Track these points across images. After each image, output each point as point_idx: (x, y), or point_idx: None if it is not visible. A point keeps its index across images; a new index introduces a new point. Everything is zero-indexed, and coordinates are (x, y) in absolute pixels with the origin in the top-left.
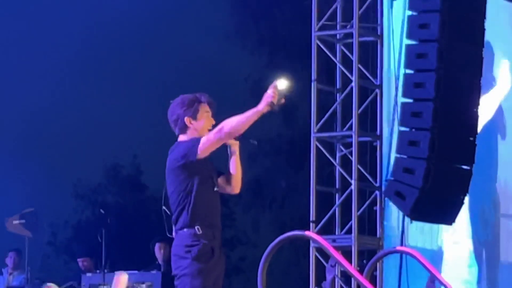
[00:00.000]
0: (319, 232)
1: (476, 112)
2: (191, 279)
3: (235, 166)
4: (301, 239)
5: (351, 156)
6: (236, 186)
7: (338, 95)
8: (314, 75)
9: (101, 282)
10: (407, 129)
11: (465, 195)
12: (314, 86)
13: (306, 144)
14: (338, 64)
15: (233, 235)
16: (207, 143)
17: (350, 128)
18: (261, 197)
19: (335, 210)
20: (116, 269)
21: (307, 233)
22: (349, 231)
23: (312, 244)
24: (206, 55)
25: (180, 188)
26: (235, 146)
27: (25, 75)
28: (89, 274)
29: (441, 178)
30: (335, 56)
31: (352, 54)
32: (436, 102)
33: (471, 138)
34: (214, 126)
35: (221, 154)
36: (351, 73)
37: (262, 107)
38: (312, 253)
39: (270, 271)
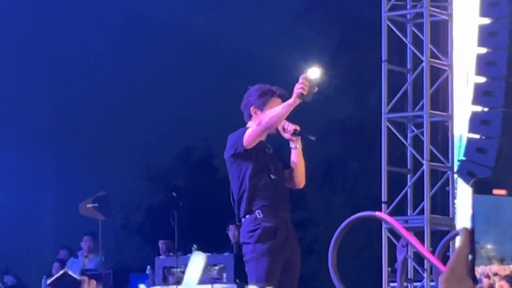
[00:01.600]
0: (391, 213)
1: None
2: (256, 262)
3: (296, 161)
4: (373, 220)
5: (423, 136)
6: (298, 181)
7: (409, 75)
8: (384, 56)
9: (174, 264)
10: (479, 109)
11: None
12: (384, 67)
13: (377, 124)
14: (408, 44)
15: (306, 217)
16: (252, 135)
17: (421, 108)
18: (332, 179)
19: (407, 190)
20: (189, 252)
21: (377, 213)
22: (421, 212)
23: (384, 225)
24: (275, 37)
25: (235, 177)
26: (295, 142)
27: (97, 59)
28: (162, 257)
29: None
30: (405, 36)
31: (422, 34)
32: (508, 81)
33: None
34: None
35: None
36: (422, 53)
37: (292, 100)
38: (384, 234)
39: (342, 252)
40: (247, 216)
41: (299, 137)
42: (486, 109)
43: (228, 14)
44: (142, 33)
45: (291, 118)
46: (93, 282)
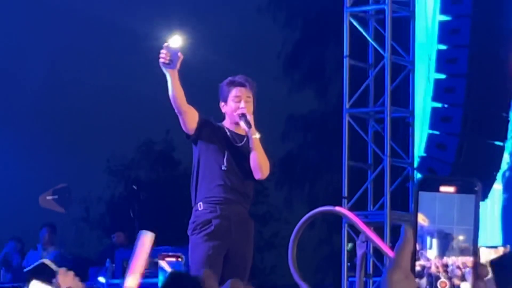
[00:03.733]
0: (352, 208)
1: (510, 88)
2: (191, 253)
3: (253, 151)
4: (332, 214)
5: (384, 132)
6: (258, 170)
7: (370, 71)
8: (346, 51)
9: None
10: (440, 105)
11: (498, 171)
12: (346, 62)
13: (338, 120)
14: (370, 40)
15: (266, 211)
16: (180, 121)
17: (383, 104)
18: (293, 173)
19: (367, 186)
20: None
21: (337, 208)
22: (382, 207)
23: (344, 220)
24: (238, 29)
25: (192, 167)
26: (248, 131)
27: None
28: (122, 249)
29: (474, 154)
30: (367, 32)
31: (384, 30)
32: (469, 78)
33: (504, 114)
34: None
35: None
36: (384, 49)
37: (164, 71)
38: (344, 229)
39: (302, 247)
40: (193, 207)
41: (244, 122)
42: (446, 106)
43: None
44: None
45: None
46: (71, 273)
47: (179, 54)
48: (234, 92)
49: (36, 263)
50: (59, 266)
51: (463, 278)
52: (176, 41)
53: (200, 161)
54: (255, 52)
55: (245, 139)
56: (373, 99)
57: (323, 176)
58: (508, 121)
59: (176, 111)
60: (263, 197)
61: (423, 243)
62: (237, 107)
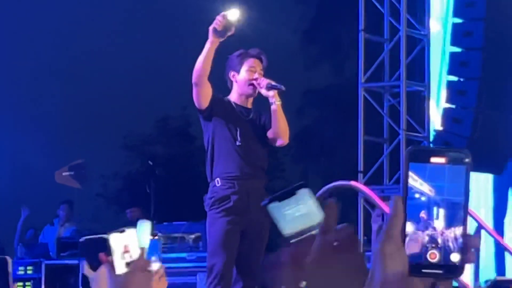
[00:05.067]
0: (368, 183)
1: None
2: (209, 228)
3: (275, 117)
4: (348, 189)
5: (399, 106)
6: (279, 136)
7: (386, 45)
8: (361, 25)
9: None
10: (456, 79)
11: None
12: (361, 36)
13: (354, 95)
14: (385, 14)
15: (282, 186)
16: (194, 92)
17: (398, 78)
18: (309, 148)
19: (383, 160)
20: (165, 220)
21: (352, 183)
22: (398, 181)
23: (360, 195)
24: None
25: (205, 143)
26: (272, 98)
27: (70, 25)
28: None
29: (489, 128)
30: (382, 6)
31: (399, 4)
32: (484, 51)
33: None
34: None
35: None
36: (399, 23)
37: (209, 37)
38: (360, 203)
39: None
40: (210, 183)
41: (275, 92)
42: (462, 79)
43: None
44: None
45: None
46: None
47: (233, 28)
48: (250, 62)
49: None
50: (76, 242)
51: (453, 250)
52: (234, 14)
53: (214, 137)
54: (272, 27)
55: (251, 113)
56: (389, 73)
57: (339, 151)
58: None
59: (195, 81)
60: (279, 172)
61: (430, 214)
62: (251, 77)
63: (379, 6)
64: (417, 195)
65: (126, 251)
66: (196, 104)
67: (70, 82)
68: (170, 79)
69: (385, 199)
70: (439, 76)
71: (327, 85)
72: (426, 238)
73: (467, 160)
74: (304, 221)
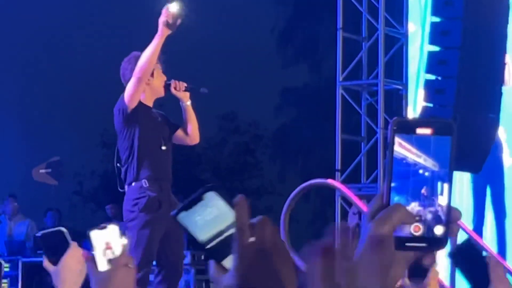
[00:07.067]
0: (345, 181)
1: (503, 61)
2: (138, 230)
3: (187, 117)
4: (325, 187)
5: (377, 104)
6: (194, 136)
7: (364, 43)
8: (340, 24)
9: (126, 229)
10: (434, 77)
11: (492, 143)
12: (340, 35)
13: (332, 93)
14: (364, 13)
15: (260, 184)
16: (130, 89)
17: (376, 76)
18: (287, 147)
19: (360, 158)
20: None
21: (329, 181)
22: (375, 180)
23: (337, 193)
24: (232, 5)
25: (124, 145)
26: (184, 97)
27: (47, 17)
28: (115, 222)
29: (467, 126)
30: (361, 5)
31: (378, 2)
32: (462, 51)
33: (497, 87)
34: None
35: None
36: (377, 22)
37: (160, 31)
38: (338, 201)
39: (296, 220)
40: (133, 184)
41: (187, 93)
42: (440, 78)
43: None
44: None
45: (246, 85)
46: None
47: (179, 20)
48: (159, 66)
49: (52, 229)
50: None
51: (436, 222)
52: (174, 6)
53: (140, 140)
54: (249, 27)
55: (159, 116)
56: (367, 72)
57: (316, 149)
58: (501, 94)
59: (140, 77)
60: (257, 171)
61: (434, 189)
62: (163, 78)
63: (357, 5)
64: (421, 171)
65: (108, 248)
66: (127, 100)
67: (48, 78)
68: None
69: (362, 197)
70: (416, 75)
71: (305, 83)
72: (429, 216)
73: (452, 130)
74: (218, 223)
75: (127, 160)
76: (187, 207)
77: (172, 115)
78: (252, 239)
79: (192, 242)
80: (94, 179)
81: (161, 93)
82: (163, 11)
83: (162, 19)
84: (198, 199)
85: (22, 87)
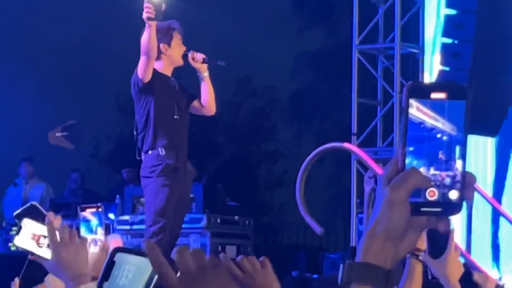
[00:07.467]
0: (361, 145)
1: None
2: (155, 193)
3: (206, 88)
4: (340, 151)
5: (393, 68)
6: (210, 107)
7: (380, 6)
8: None
9: (143, 194)
10: (450, 41)
11: (508, 106)
12: None
13: (348, 56)
14: None
15: (275, 148)
16: (141, 66)
17: (392, 40)
18: (302, 111)
19: (376, 122)
20: None
21: (345, 144)
22: (391, 144)
23: (353, 157)
24: None
25: (139, 115)
26: (201, 69)
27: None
28: (131, 185)
29: (484, 90)
30: None
31: None
32: (478, 14)
33: None
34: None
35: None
36: None
37: (147, 25)
38: (353, 165)
39: (311, 184)
40: (150, 152)
41: (205, 65)
42: (456, 42)
43: None
44: None
45: (262, 49)
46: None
47: (163, 5)
48: (179, 36)
49: (25, 206)
50: (69, 202)
51: (451, 187)
52: None
53: (152, 107)
54: None
55: (176, 83)
56: (383, 35)
57: (332, 113)
58: None
59: (147, 52)
60: (273, 135)
61: (452, 153)
62: (182, 49)
63: None
64: (438, 135)
65: (38, 238)
66: (140, 75)
67: (63, 42)
68: None
69: (378, 161)
70: (433, 41)
71: (321, 47)
72: (448, 180)
73: (466, 94)
74: (141, 275)
75: (143, 128)
76: (106, 276)
77: (191, 86)
78: (177, 274)
79: None
80: (110, 143)
81: (180, 62)
82: (144, 5)
83: (144, 16)
84: (111, 264)
85: (39, 50)
